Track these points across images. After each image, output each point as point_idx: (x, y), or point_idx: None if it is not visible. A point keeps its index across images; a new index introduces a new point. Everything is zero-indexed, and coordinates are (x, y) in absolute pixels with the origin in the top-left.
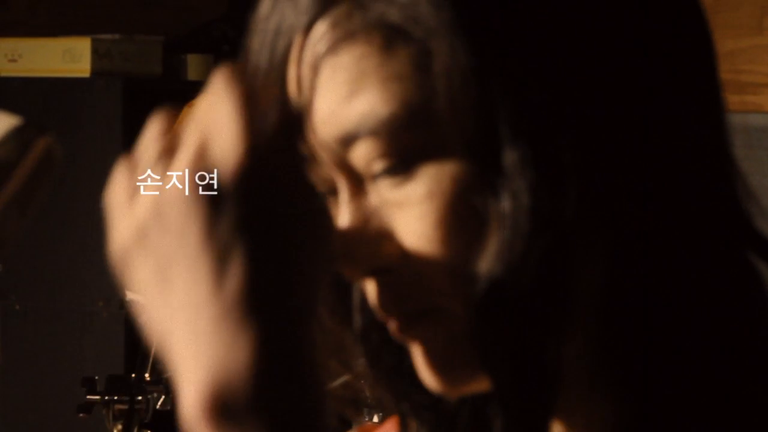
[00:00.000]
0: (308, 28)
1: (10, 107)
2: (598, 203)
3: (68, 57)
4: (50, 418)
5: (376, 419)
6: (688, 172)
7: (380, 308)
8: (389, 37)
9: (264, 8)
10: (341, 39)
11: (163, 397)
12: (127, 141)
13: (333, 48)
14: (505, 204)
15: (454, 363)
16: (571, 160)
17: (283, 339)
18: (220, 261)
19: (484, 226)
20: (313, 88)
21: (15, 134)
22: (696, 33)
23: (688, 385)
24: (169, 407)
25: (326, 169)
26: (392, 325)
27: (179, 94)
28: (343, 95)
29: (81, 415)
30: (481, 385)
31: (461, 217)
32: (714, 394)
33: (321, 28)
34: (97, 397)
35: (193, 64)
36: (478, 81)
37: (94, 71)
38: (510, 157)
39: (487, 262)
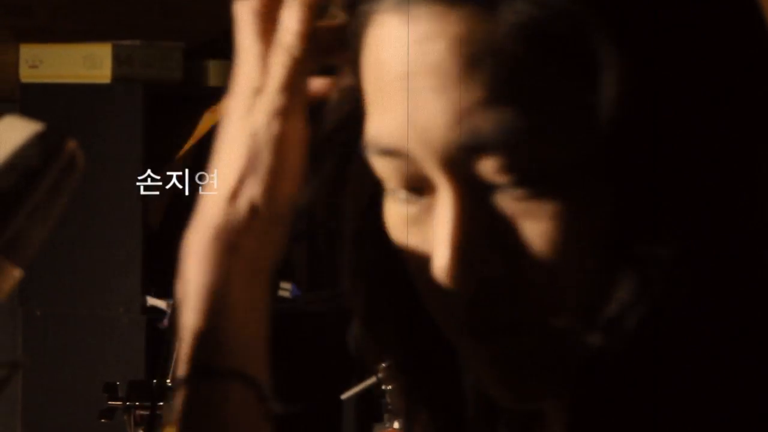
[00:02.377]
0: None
1: (31, 113)
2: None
3: (89, 63)
4: (72, 424)
5: (396, 425)
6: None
7: (468, 317)
8: (543, 47)
9: None
10: (484, 42)
11: None
12: (147, 146)
13: (475, 50)
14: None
15: (529, 376)
16: (702, 193)
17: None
18: None
19: (609, 249)
20: (438, 85)
21: (38, 141)
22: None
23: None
24: None
25: (424, 169)
26: (470, 335)
27: (199, 100)
28: (478, 101)
29: (103, 420)
30: (547, 399)
31: (587, 239)
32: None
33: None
34: (119, 402)
35: (213, 70)
36: (639, 102)
37: (115, 77)
38: (649, 186)
39: (615, 285)
